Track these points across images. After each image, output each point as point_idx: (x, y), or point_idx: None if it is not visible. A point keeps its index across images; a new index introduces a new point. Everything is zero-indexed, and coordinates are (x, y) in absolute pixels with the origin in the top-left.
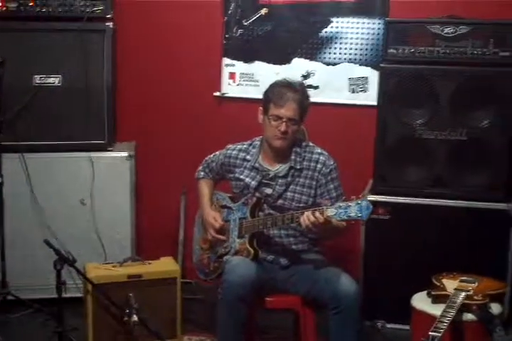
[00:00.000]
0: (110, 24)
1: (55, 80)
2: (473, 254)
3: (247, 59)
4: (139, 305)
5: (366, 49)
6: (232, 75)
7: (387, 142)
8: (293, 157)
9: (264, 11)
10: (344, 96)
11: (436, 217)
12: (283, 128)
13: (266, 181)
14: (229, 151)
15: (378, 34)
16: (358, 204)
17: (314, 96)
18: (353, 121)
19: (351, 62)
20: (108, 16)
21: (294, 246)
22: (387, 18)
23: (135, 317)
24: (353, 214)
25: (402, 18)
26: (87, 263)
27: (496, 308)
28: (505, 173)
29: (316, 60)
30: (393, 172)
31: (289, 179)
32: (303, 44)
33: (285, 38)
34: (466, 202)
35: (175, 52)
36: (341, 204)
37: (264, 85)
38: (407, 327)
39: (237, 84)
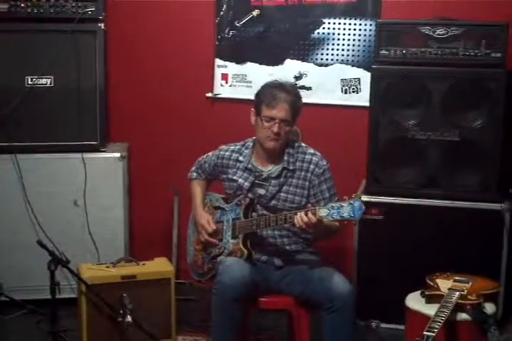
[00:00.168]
0: (102, 25)
1: (47, 81)
2: (466, 254)
3: (240, 60)
4: (133, 306)
5: (358, 50)
6: (224, 76)
7: (379, 143)
8: (286, 158)
9: (256, 13)
10: (337, 97)
11: (429, 217)
12: (276, 129)
13: (259, 182)
14: (221, 152)
15: (370, 35)
16: (351, 204)
17: (307, 98)
18: (346, 121)
19: (343, 63)
20: (100, 17)
21: (287, 247)
22: (379, 20)
23: (129, 318)
24: (345, 215)
25: (394, 20)
26: (81, 264)
27: (489, 308)
28: (498, 174)
29: (309, 61)
30: (386, 172)
31: (281, 180)
32: (295, 45)
33: (277, 39)
34: (458, 202)
35: (167, 53)
36: (334, 205)
37: (257, 86)
38: (401, 326)
39: (230, 85)
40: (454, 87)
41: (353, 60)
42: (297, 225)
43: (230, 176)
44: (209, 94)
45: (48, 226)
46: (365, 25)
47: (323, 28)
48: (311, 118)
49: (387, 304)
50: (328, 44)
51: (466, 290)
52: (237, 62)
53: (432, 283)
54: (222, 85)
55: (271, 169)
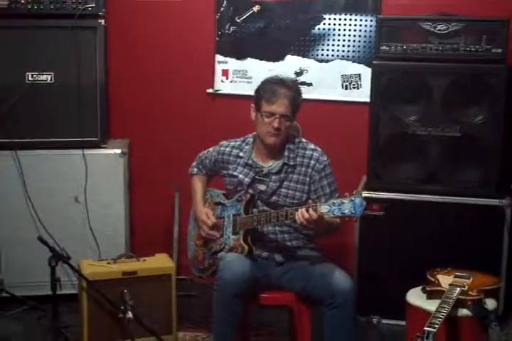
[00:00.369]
0: (102, 21)
1: (47, 77)
2: (467, 250)
3: (240, 56)
4: (133, 302)
5: (359, 46)
6: (225, 72)
7: (380, 138)
8: (286, 153)
9: (256, 8)
10: (337, 93)
11: (430, 213)
12: (276, 124)
13: (259, 178)
14: (222, 148)
15: (371, 31)
16: (352, 201)
17: (307, 93)
18: (346, 117)
19: (344, 59)
20: (100, 13)
21: (288, 243)
22: (379, 15)
23: (130, 314)
24: (346, 211)
25: (395, 15)
26: (82, 260)
27: (490, 304)
28: (499, 169)
29: (309, 57)
30: (386, 168)
31: (282, 175)
32: (295, 41)
33: (278, 35)
34: (459, 198)
35: (167, 49)
36: (335, 201)
37: (257, 82)
38: (402, 322)
39: (230, 81)
40: (455, 82)
41: (353, 56)
42: (298, 221)
43: (230, 172)
44: (209, 90)
45: (49, 223)
46: (366, 21)
47: (324, 23)
48: (312, 114)
49: (388, 300)
50: (328, 40)
51: (467, 286)
52: (238, 58)
53: (432, 279)
54: (222, 81)
55: (271, 165)
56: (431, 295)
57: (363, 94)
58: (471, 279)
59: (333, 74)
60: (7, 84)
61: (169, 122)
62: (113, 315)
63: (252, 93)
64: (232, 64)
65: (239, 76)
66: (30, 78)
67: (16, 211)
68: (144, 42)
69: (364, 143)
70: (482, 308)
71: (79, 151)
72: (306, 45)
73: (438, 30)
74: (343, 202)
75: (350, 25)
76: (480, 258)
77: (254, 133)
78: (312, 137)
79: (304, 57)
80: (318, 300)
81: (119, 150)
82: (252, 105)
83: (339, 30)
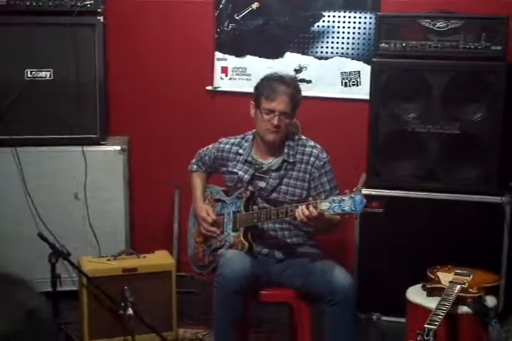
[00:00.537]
0: (101, 18)
1: (46, 74)
2: (467, 247)
3: (239, 53)
4: (134, 299)
5: (358, 43)
6: (224, 69)
7: (379, 136)
8: (286, 150)
9: (255, 5)
10: (337, 91)
11: (429, 210)
12: (275, 121)
13: (259, 174)
14: (221, 145)
15: (370, 28)
16: (352, 198)
17: (307, 91)
18: (346, 115)
19: (343, 56)
20: (99, 10)
21: (288, 240)
22: (378, 13)
23: (130, 311)
24: (346, 208)
25: (394, 13)
26: (82, 257)
27: (490, 301)
28: (498, 166)
29: (308, 54)
30: (386, 165)
31: (282, 172)
32: (295, 38)
33: (277, 32)
34: (459, 195)
35: (167, 46)
36: (335, 198)
37: (257, 79)
38: (402, 319)
39: (230, 78)
40: (454, 80)
41: (353, 53)
42: (298, 218)
43: (230, 169)
44: (209, 87)
45: (49, 219)
46: (365, 18)
47: (323, 21)
48: (311, 111)
49: (388, 297)
50: (328, 37)
51: (467, 283)
52: (237, 55)
53: (432, 276)
54: (222, 78)
55: (271, 162)
56: (431, 292)
57: (362, 92)
58: (471, 276)
59: (332, 72)
60: (6, 81)
61: (168, 119)
62: (113, 312)
63: (251, 90)
64: (231, 61)
65: (238, 73)
66: (29, 75)
67: (16, 208)
68: (143, 39)
69: (363, 141)
70: (482, 305)
71: (78, 148)
72: (306, 42)
73: (437, 27)
74: (343, 199)
75: (349, 22)
76: (480, 256)
77: (254, 130)
78: (312, 134)
79: (303, 54)
80: (318, 297)
81: (118, 147)
82: (252, 102)
83: (338, 27)
